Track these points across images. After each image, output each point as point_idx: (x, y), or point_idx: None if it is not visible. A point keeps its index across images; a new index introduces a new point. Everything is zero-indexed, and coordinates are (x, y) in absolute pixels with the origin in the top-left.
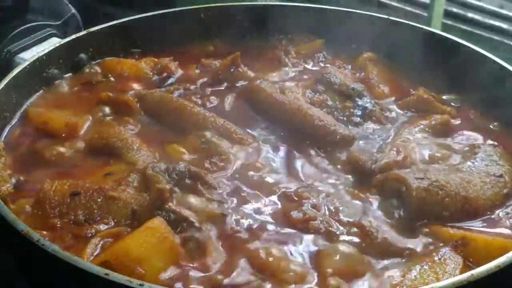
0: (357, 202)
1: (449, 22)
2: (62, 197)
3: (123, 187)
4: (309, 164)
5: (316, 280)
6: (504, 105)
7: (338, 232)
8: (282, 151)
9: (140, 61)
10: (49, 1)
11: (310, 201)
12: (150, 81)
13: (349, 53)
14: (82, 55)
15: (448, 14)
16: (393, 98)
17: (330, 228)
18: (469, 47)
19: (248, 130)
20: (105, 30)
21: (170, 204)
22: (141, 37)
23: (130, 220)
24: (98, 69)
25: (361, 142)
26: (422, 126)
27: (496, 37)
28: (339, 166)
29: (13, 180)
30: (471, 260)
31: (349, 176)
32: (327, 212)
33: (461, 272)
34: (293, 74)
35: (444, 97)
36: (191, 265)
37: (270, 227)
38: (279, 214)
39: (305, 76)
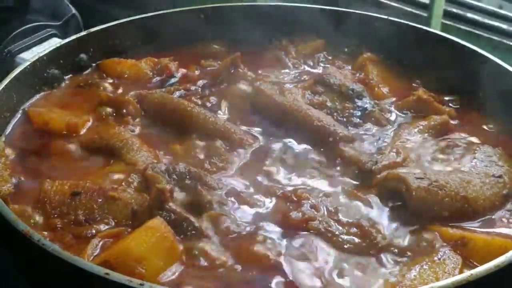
0: (356, 202)
1: (449, 22)
2: (63, 197)
3: (123, 187)
4: (308, 164)
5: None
6: (503, 106)
7: (337, 232)
8: (281, 152)
9: (140, 61)
10: (50, 2)
11: (310, 201)
12: (150, 82)
13: (349, 53)
14: (83, 56)
15: (448, 14)
16: (392, 99)
17: (329, 228)
18: (469, 47)
19: (248, 130)
20: (105, 30)
21: (170, 204)
22: (141, 37)
23: (131, 220)
24: (98, 69)
25: (360, 142)
26: (421, 126)
27: (496, 37)
28: (338, 167)
29: (14, 180)
30: (470, 260)
31: (349, 176)
32: (326, 213)
33: (461, 272)
34: (293, 74)
35: (443, 97)
36: (191, 265)
37: (270, 227)
38: (279, 214)
39: (305, 77)
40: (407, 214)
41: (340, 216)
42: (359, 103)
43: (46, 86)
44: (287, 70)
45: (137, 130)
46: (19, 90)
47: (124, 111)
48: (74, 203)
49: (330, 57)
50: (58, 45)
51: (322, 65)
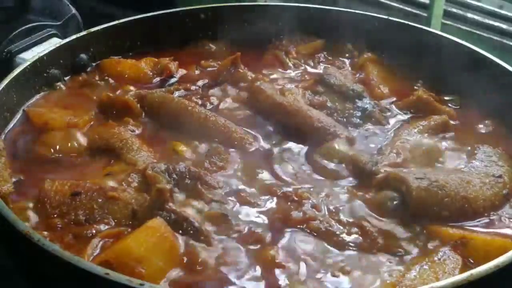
0: (357, 202)
1: (449, 22)
2: (63, 197)
3: (123, 187)
4: (309, 164)
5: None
6: (503, 106)
7: (338, 232)
8: (281, 151)
9: (140, 61)
10: (50, 2)
11: (310, 201)
12: (150, 82)
13: (349, 53)
14: (83, 56)
15: (448, 14)
16: (393, 99)
17: (330, 228)
18: (469, 47)
19: (249, 130)
20: (105, 30)
21: (170, 204)
22: (141, 37)
23: (131, 220)
24: (98, 69)
25: (361, 143)
26: (421, 126)
27: (496, 37)
28: (339, 167)
29: (14, 180)
30: (470, 260)
31: (349, 176)
32: (326, 212)
33: (461, 272)
34: (294, 74)
35: (443, 97)
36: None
37: (271, 227)
38: (280, 214)
39: (306, 77)
40: (407, 214)
41: (341, 216)
42: (359, 103)
43: (46, 86)
44: (287, 70)
45: (137, 130)
46: (19, 90)
47: (124, 111)
48: (74, 203)
49: (330, 57)
50: (58, 45)
51: (322, 65)
